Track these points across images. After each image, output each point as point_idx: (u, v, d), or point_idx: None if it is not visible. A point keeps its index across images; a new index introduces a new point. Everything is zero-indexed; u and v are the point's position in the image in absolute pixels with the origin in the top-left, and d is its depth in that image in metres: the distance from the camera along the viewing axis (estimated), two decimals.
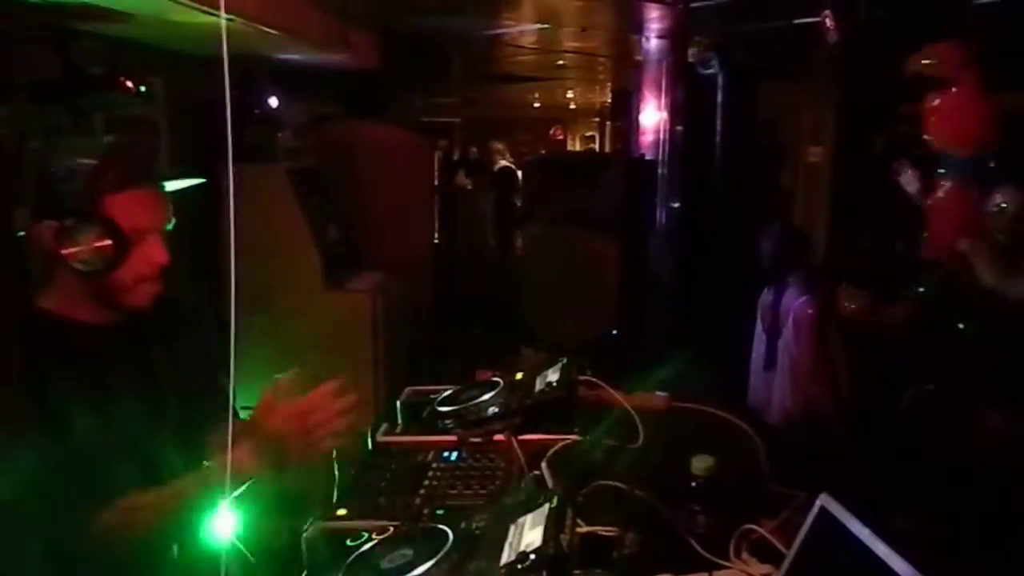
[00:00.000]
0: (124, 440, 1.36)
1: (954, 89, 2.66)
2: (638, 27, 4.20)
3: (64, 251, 1.31)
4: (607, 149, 10.59)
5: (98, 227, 1.32)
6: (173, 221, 1.45)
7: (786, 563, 1.21)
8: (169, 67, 2.94)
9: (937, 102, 2.68)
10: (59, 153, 1.37)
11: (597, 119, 12.49)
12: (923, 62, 2.77)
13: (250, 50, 3.31)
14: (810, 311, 3.13)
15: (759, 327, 3.33)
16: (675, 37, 4.12)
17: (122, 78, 2.23)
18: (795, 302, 3.20)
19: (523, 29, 4.78)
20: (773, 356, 3.26)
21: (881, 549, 1.02)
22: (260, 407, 1.36)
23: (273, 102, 3.63)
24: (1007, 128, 2.72)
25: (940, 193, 2.43)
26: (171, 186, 1.52)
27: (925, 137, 2.69)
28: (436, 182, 4.73)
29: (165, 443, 1.47)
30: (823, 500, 1.16)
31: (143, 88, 2.33)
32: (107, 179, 1.34)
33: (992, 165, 2.66)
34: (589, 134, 13.30)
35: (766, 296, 3.37)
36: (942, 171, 2.59)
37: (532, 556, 1.07)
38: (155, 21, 2.44)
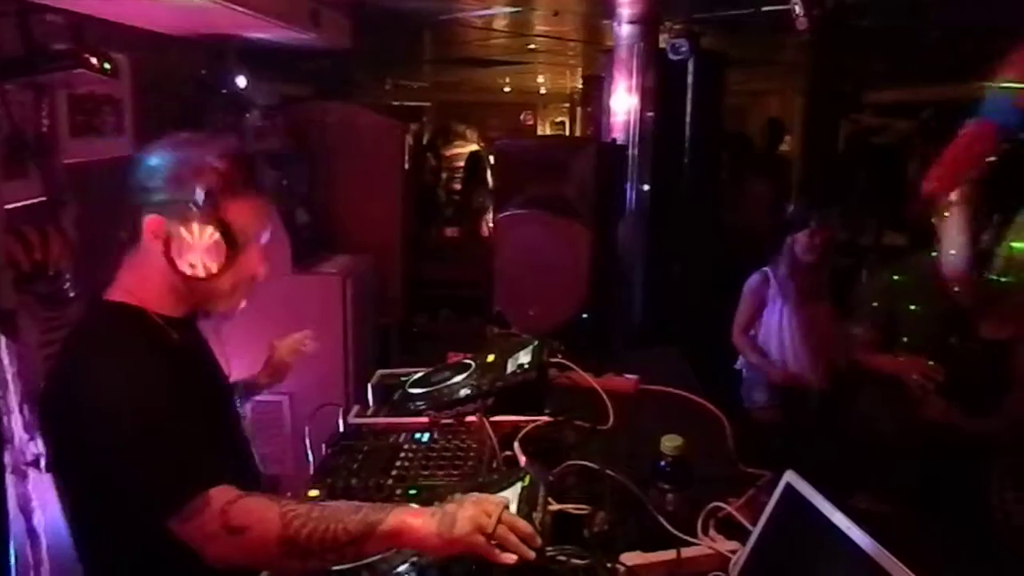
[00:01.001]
0: (210, 428, 1.31)
1: None
2: (610, 12, 4.20)
3: (174, 250, 1.28)
4: (577, 134, 10.60)
5: (214, 229, 1.28)
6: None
7: (752, 538, 1.24)
8: (134, 44, 2.88)
9: None
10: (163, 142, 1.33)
11: (567, 104, 12.50)
12: None
13: (218, 29, 3.26)
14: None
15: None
16: (647, 23, 4.13)
17: (86, 55, 2.18)
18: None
19: (495, 12, 4.76)
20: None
21: (844, 524, 1.05)
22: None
23: (241, 82, 3.57)
24: None
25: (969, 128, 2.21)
26: None
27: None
28: (406, 166, 4.70)
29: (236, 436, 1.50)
30: (789, 477, 1.19)
31: (107, 65, 2.27)
32: (231, 182, 1.30)
33: None
34: (559, 119, 13.29)
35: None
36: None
37: None
38: None
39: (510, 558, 1.09)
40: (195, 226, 1.27)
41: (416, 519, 1.13)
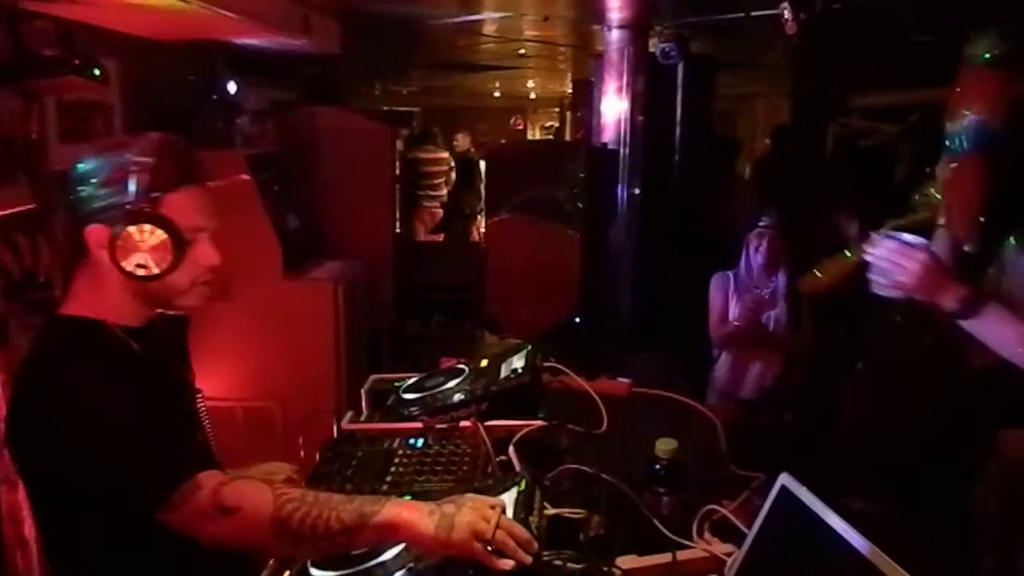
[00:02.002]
0: (176, 429, 1.32)
1: None
2: (600, 17, 4.22)
3: (119, 255, 1.25)
4: (567, 138, 10.62)
5: (156, 227, 1.25)
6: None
7: (748, 540, 1.24)
8: (124, 50, 2.88)
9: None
10: (89, 150, 1.31)
11: (557, 109, 12.51)
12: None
13: (209, 35, 3.25)
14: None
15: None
16: (636, 28, 4.15)
17: (76, 61, 2.18)
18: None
19: (485, 18, 4.77)
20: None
21: (840, 526, 1.06)
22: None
23: (231, 88, 3.56)
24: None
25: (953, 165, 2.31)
26: None
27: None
28: (397, 171, 4.70)
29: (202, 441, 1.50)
30: (784, 479, 1.19)
31: (97, 71, 2.27)
32: (164, 177, 1.27)
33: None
34: (549, 124, 13.30)
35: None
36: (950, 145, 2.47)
37: None
38: (110, 2, 2.39)
39: (507, 564, 1.10)
40: (136, 228, 1.25)
41: (412, 514, 1.13)
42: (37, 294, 2.23)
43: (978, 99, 2.27)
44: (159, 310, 1.40)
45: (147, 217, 1.25)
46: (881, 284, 1.54)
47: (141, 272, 1.27)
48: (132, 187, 1.24)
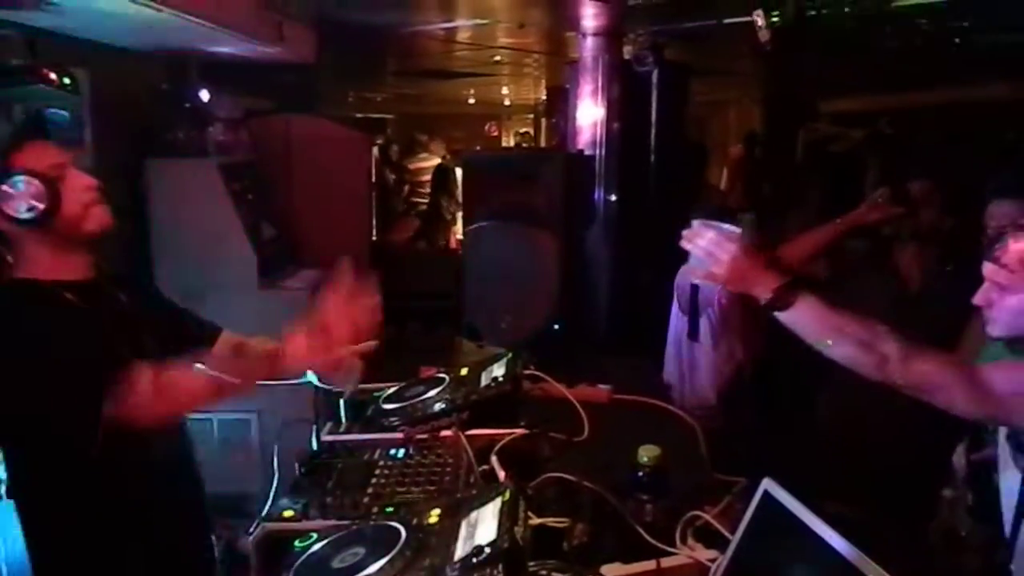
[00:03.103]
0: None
1: None
2: (574, 24, 4.24)
3: (9, 210, 1.46)
4: (542, 145, 10.65)
5: (20, 177, 1.47)
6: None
7: (732, 545, 1.25)
8: (93, 59, 2.83)
9: None
10: None
11: (531, 116, 12.55)
12: None
13: (180, 42, 3.21)
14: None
15: (675, 306, 3.37)
16: (611, 35, 4.18)
17: (45, 69, 2.14)
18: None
19: (459, 24, 4.77)
20: (695, 330, 3.30)
21: (824, 530, 1.06)
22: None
23: (203, 95, 3.53)
24: None
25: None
26: None
27: None
28: (373, 178, 4.67)
29: None
30: (767, 485, 1.20)
31: (67, 80, 2.23)
32: (7, 145, 1.52)
33: None
34: (523, 131, 13.34)
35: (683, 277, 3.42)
36: None
37: (487, 549, 1.08)
38: (80, 10, 2.35)
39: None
40: (6, 184, 1.47)
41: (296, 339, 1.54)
42: None
43: None
44: (85, 255, 1.61)
45: (8, 172, 1.47)
46: (696, 273, 1.57)
47: (32, 214, 1.48)
48: None
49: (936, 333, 1.89)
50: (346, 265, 1.66)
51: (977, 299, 1.57)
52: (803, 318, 1.52)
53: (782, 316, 1.53)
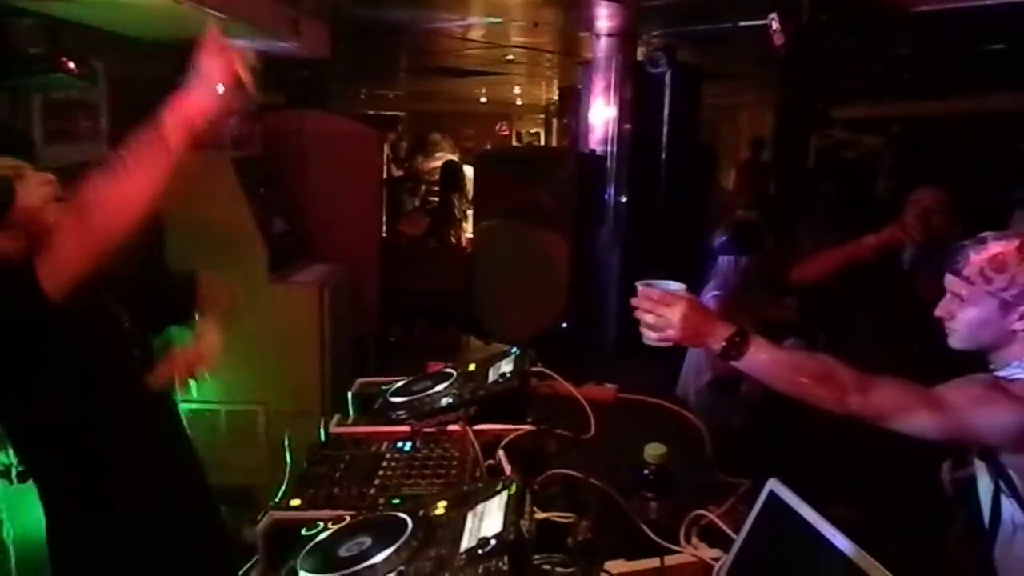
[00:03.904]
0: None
1: None
2: (588, 25, 4.24)
3: None
4: (552, 144, 10.64)
5: None
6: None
7: (736, 544, 1.25)
8: (111, 49, 2.85)
9: None
10: None
11: (543, 115, 12.54)
12: None
13: (196, 34, 3.23)
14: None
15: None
16: (624, 36, 4.17)
17: (64, 59, 2.16)
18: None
19: (473, 22, 4.77)
20: None
21: (829, 531, 1.07)
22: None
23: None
24: None
25: None
26: None
27: None
28: (384, 175, 4.69)
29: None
30: (772, 484, 1.21)
31: (86, 69, 2.25)
32: None
33: None
34: (534, 130, 13.33)
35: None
36: None
37: (493, 541, 1.09)
38: (99, 1, 2.37)
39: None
40: None
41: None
42: None
43: None
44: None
45: None
46: (651, 337, 1.58)
47: None
48: None
49: None
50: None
51: (938, 311, 1.59)
52: (756, 363, 1.55)
53: (738, 364, 1.55)
